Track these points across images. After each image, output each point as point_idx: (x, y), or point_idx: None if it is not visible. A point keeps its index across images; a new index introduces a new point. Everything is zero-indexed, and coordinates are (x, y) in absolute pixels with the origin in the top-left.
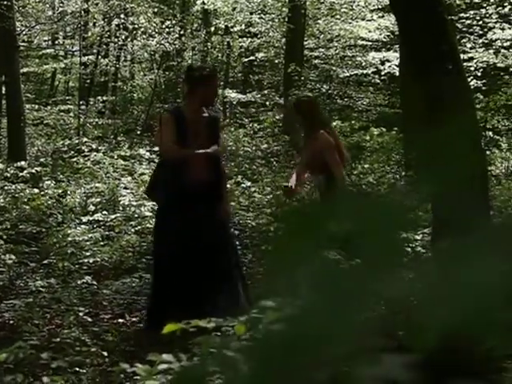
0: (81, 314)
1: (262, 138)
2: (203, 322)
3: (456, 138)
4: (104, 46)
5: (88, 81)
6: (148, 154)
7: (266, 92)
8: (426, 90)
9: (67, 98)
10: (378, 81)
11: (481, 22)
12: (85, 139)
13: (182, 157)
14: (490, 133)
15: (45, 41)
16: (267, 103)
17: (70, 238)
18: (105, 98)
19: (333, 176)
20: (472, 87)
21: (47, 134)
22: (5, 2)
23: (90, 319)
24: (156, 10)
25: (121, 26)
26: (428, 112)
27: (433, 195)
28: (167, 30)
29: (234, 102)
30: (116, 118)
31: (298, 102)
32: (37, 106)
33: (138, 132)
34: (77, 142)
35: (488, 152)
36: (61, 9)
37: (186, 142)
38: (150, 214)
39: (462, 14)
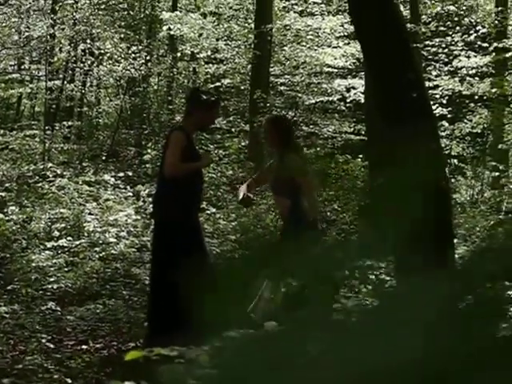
0: (44, 340)
1: (228, 164)
2: (165, 350)
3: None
4: (70, 72)
5: (54, 106)
6: (113, 179)
7: (231, 118)
8: (390, 119)
9: (33, 122)
10: (344, 108)
11: (446, 50)
12: (50, 164)
13: (192, 170)
14: (455, 160)
15: (11, 65)
16: (233, 130)
17: (34, 264)
18: (70, 124)
19: (300, 202)
20: (437, 115)
21: (12, 158)
22: None
23: (52, 346)
24: (122, 35)
25: (87, 52)
26: (391, 141)
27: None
28: (133, 55)
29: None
30: (82, 144)
31: (277, 118)
32: (2, 131)
33: (104, 157)
34: (42, 167)
35: (453, 180)
36: (27, 33)
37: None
38: (115, 240)
39: (427, 42)
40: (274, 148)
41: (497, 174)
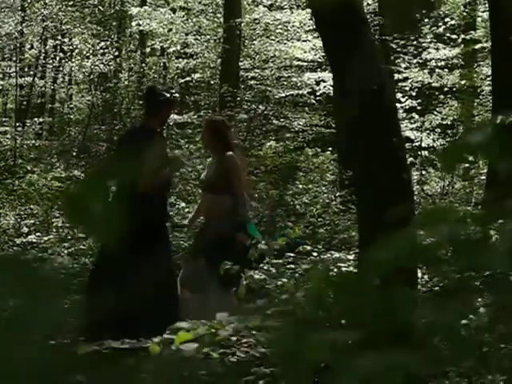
0: None
1: (198, 158)
2: (116, 343)
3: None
4: (40, 68)
5: (25, 102)
6: (83, 175)
7: (201, 113)
8: (349, 111)
9: (4, 119)
10: (314, 101)
11: (415, 42)
12: (20, 161)
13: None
14: (426, 152)
15: None
16: (203, 124)
17: None
18: (42, 120)
19: (234, 201)
20: (407, 107)
21: None
22: None
23: None
24: (92, 31)
25: (57, 48)
26: (352, 134)
27: (360, 215)
28: (102, 51)
29: (171, 123)
30: (53, 140)
31: (212, 119)
32: None
33: (75, 153)
34: (12, 163)
35: (424, 172)
36: None
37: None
38: (83, 235)
39: (396, 34)
40: (209, 148)
41: (467, 165)
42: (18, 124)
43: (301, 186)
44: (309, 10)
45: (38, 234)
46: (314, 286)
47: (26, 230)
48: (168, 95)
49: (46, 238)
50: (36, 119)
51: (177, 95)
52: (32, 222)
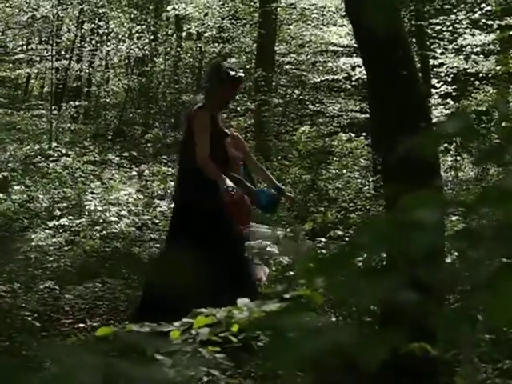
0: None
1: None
2: (136, 326)
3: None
4: (77, 51)
5: (61, 86)
6: (117, 159)
7: (237, 97)
8: (382, 97)
9: (40, 102)
10: (349, 86)
11: (451, 28)
12: (54, 144)
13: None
14: (460, 138)
15: (19, 46)
16: (238, 108)
17: (33, 243)
18: (78, 103)
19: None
20: (442, 92)
21: (19, 138)
22: None
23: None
24: (131, 15)
25: (94, 31)
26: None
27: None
28: (137, 35)
29: None
30: (88, 123)
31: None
32: (9, 111)
33: (110, 137)
34: (47, 147)
35: (458, 158)
36: (30, 14)
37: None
38: (116, 218)
39: (432, 20)
40: None
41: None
42: (53, 107)
43: (334, 171)
44: None
45: (70, 217)
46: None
47: (58, 213)
48: (232, 73)
49: (77, 222)
50: (72, 103)
51: (241, 74)
52: (65, 205)
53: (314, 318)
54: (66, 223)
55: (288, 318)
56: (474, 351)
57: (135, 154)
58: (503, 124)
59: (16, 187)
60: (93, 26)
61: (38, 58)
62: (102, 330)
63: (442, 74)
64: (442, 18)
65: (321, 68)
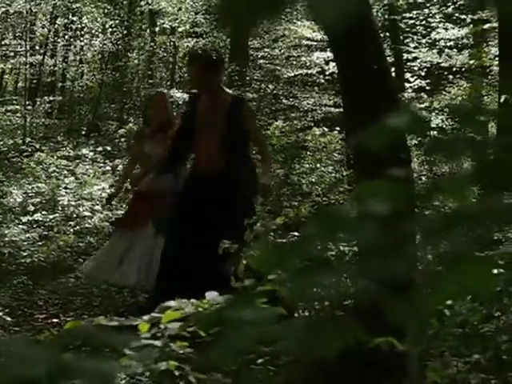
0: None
1: None
2: (104, 320)
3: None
4: (50, 47)
5: (35, 81)
6: (91, 154)
7: None
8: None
9: (15, 98)
10: (323, 81)
11: (424, 22)
12: (28, 139)
13: None
14: (435, 132)
15: None
16: None
17: (7, 239)
18: (52, 98)
19: None
20: (416, 87)
21: None
22: None
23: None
24: (104, 10)
25: (68, 26)
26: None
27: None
28: (111, 29)
29: (180, 102)
30: (63, 118)
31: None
32: None
33: (84, 132)
34: (21, 142)
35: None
36: (4, 9)
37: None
38: (89, 214)
39: (405, 14)
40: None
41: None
42: (28, 102)
43: (307, 166)
44: None
45: (43, 212)
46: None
47: (32, 208)
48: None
49: (51, 217)
50: (46, 98)
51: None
52: (38, 200)
53: (261, 312)
54: (40, 218)
55: (232, 311)
56: (442, 345)
57: (109, 148)
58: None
59: None
60: (66, 21)
61: (11, 53)
62: (70, 324)
63: (416, 68)
64: (415, 12)
65: (294, 62)
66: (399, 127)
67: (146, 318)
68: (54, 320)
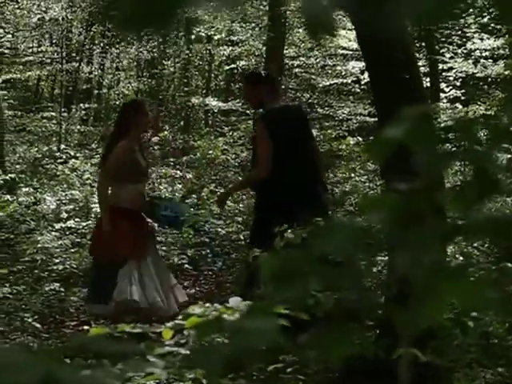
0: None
1: (242, 146)
2: (128, 327)
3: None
4: (87, 53)
5: (70, 88)
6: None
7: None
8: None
9: (50, 104)
10: (358, 90)
11: (460, 32)
12: (63, 146)
13: None
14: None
15: (29, 48)
16: (247, 112)
17: (39, 245)
18: (87, 105)
19: None
20: (451, 97)
21: (29, 140)
22: None
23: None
24: None
25: (104, 34)
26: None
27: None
28: (146, 37)
29: (216, 111)
30: (98, 126)
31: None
32: (19, 113)
33: None
34: (55, 148)
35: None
36: (39, 16)
37: None
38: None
39: (441, 24)
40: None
41: (509, 156)
42: (63, 109)
43: (341, 175)
44: None
45: (77, 219)
46: None
47: (65, 215)
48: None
49: (84, 224)
50: (82, 105)
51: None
52: (72, 207)
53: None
54: (73, 225)
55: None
56: (465, 357)
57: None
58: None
59: (24, 189)
60: (102, 28)
61: (48, 60)
62: (95, 331)
63: (451, 79)
64: (450, 22)
65: (330, 71)
66: (396, 138)
67: (169, 324)
68: (85, 327)
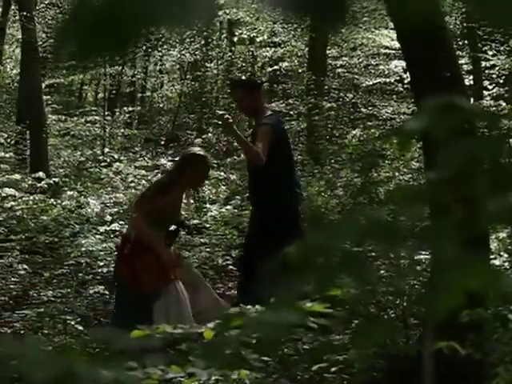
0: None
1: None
2: (169, 328)
3: None
4: (129, 56)
5: (114, 91)
6: (170, 164)
7: (290, 101)
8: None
9: (94, 108)
10: (402, 89)
11: (502, 29)
12: (107, 149)
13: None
14: None
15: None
16: (291, 112)
17: (83, 248)
18: (131, 109)
19: None
20: (494, 94)
21: (73, 144)
22: (25, 13)
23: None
24: None
25: (146, 36)
26: None
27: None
28: (189, 39)
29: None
30: (142, 129)
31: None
32: (63, 117)
33: (163, 142)
34: (99, 152)
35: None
36: None
37: None
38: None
39: (483, 22)
40: None
41: None
42: (107, 113)
43: (385, 174)
44: None
45: (121, 222)
46: None
47: (109, 218)
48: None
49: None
50: (126, 108)
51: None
52: (116, 210)
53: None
54: (117, 228)
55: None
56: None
57: None
58: None
59: (68, 193)
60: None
61: (91, 64)
62: (136, 333)
63: (494, 76)
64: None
65: (373, 71)
66: (416, 130)
67: (210, 325)
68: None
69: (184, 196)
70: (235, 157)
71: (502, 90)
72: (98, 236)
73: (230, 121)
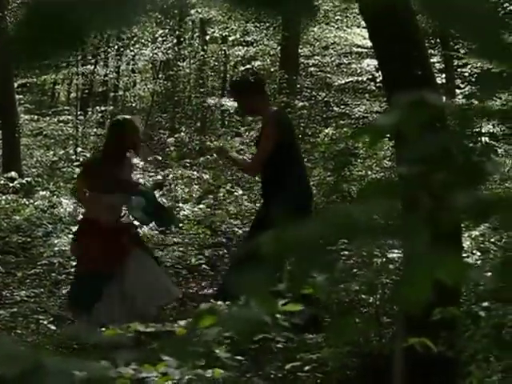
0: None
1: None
2: (141, 326)
3: None
4: (102, 56)
5: (86, 91)
6: (142, 163)
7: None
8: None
9: (66, 108)
10: (374, 88)
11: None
12: (79, 149)
13: None
14: (486, 138)
15: None
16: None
17: (56, 248)
18: (104, 108)
19: None
20: (467, 93)
21: (46, 144)
22: None
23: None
24: (156, 19)
25: (119, 36)
26: None
27: None
28: (161, 39)
29: (231, 111)
30: None
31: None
32: (36, 117)
33: None
34: (72, 152)
35: (483, 158)
36: None
37: None
38: (137, 223)
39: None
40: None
41: None
42: (80, 112)
43: (357, 173)
44: None
45: None
46: None
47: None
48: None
49: None
50: (98, 108)
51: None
52: None
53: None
54: None
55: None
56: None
57: (160, 158)
58: None
59: (41, 193)
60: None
61: (63, 64)
62: (108, 332)
63: (466, 74)
64: None
65: (345, 70)
66: (386, 126)
67: (182, 323)
68: (102, 329)
69: (131, 160)
70: (208, 156)
71: (473, 88)
72: (70, 236)
73: (228, 152)
